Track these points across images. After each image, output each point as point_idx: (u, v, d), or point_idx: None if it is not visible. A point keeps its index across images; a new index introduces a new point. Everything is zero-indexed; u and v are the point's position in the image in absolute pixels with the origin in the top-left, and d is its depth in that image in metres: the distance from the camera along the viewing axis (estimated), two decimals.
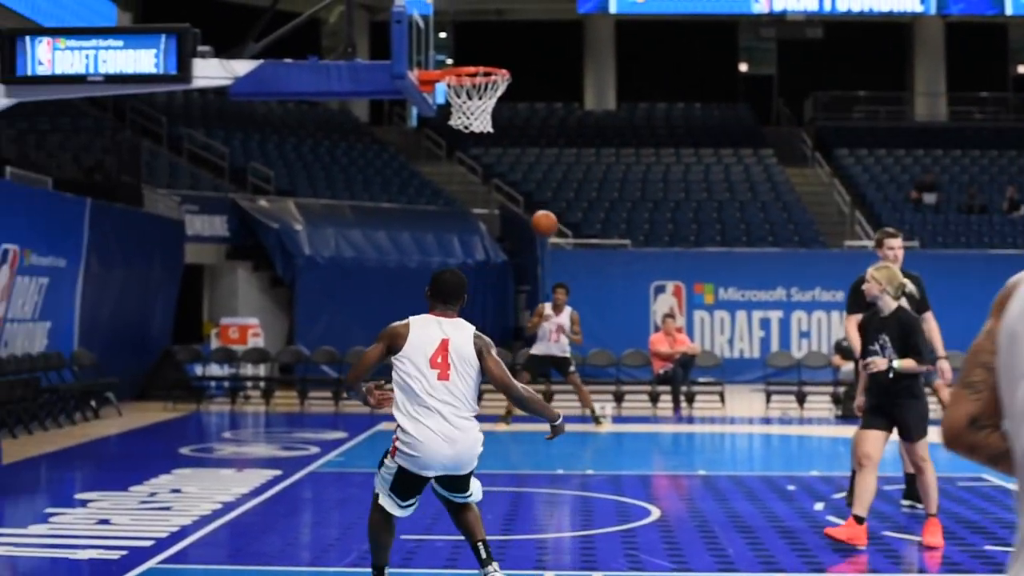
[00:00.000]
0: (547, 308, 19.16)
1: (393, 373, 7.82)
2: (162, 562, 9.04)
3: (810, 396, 21.61)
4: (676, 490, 13.36)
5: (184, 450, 15.82)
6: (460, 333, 7.84)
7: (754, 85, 43.98)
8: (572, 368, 19.26)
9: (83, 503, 11.61)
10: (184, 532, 10.14)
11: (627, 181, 35.21)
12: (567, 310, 19.08)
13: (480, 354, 7.81)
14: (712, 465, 15.21)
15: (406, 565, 9.05)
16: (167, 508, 11.30)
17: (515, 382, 7.91)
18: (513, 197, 33.79)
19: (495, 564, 7.97)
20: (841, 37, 41.20)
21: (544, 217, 15.98)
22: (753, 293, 27.20)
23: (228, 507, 11.38)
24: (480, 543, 8.01)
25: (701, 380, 22.60)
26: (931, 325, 11.30)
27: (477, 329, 7.89)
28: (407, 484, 7.83)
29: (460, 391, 7.77)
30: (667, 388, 21.66)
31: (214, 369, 23.10)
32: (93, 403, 19.69)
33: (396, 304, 26.84)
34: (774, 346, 26.63)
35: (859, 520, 9.56)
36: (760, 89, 43.51)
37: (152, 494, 12.09)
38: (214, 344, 23.98)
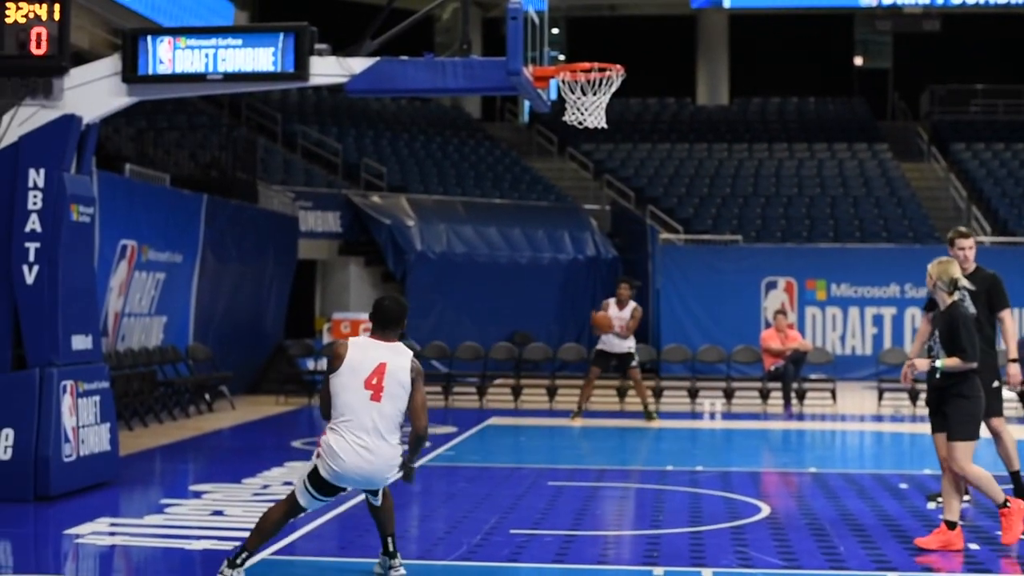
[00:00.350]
0: (611, 304, 19.21)
1: (331, 388, 8.10)
2: (274, 553, 9.17)
3: (923, 394, 21.26)
4: (786, 487, 13.26)
5: (296, 443, 15.99)
6: (398, 359, 8.10)
7: (869, 79, 43.51)
8: (634, 364, 19.26)
9: (197, 495, 11.80)
10: (295, 525, 10.23)
11: (739, 176, 34.98)
12: (630, 305, 19.13)
13: (413, 381, 8.07)
14: (823, 462, 15.09)
15: (515, 559, 9.09)
16: (279, 500, 11.41)
17: (425, 418, 8.15)
18: (624, 193, 33.73)
19: (399, 558, 8.35)
20: (959, 29, 40.60)
21: (603, 318, 18.90)
22: (866, 289, 26.90)
23: (338, 500, 11.43)
24: (390, 537, 8.41)
25: (812, 377, 22.41)
26: (1006, 325, 11.17)
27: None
28: (322, 485, 8.20)
29: (389, 413, 8.04)
30: (778, 385, 21.47)
31: (326, 363, 23.25)
32: (207, 396, 19.96)
33: (506, 299, 27.22)
34: (887, 343, 26.32)
35: (951, 525, 9.44)
36: (875, 83, 43.04)
37: (265, 486, 12.25)
38: (326, 339, 24.20)
